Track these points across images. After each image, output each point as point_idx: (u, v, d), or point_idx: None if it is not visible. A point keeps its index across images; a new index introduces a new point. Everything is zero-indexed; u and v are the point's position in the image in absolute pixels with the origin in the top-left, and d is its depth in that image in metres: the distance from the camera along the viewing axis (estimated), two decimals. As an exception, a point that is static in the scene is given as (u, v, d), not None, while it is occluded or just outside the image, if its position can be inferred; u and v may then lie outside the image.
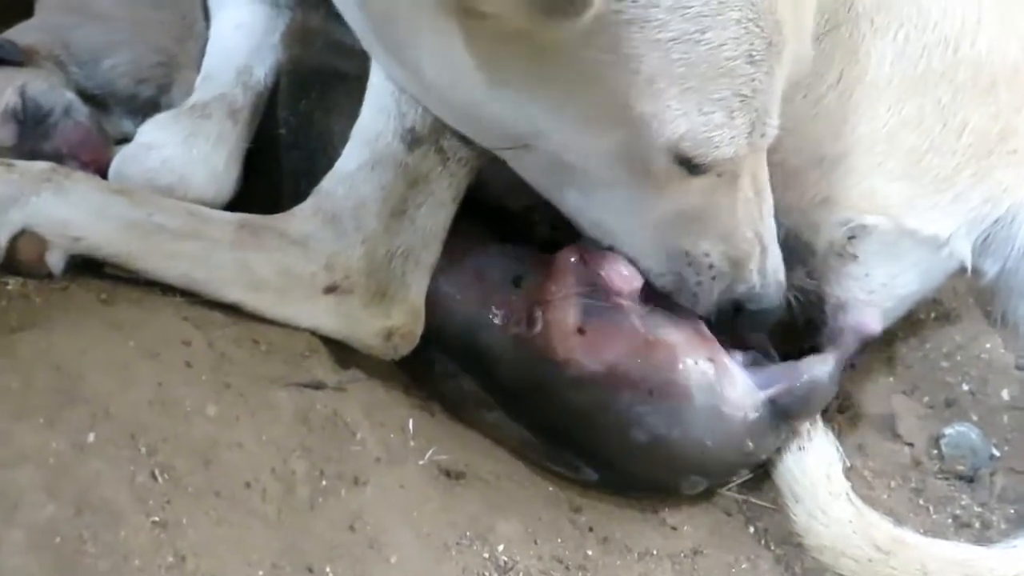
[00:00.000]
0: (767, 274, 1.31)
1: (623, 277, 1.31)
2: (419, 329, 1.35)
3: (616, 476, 1.35)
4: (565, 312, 1.32)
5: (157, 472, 1.07)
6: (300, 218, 1.32)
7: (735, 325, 1.35)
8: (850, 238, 1.42)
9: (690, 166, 1.18)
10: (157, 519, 1.03)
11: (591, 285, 1.32)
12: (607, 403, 1.31)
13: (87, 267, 1.27)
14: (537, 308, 1.33)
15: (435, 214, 1.34)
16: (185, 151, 1.41)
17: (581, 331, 1.31)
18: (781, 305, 1.35)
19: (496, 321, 1.35)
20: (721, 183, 1.23)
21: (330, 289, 1.31)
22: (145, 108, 1.55)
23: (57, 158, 1.37)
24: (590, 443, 1.34)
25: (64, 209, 1.26)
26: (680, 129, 1.14)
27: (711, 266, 1.29)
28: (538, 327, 1.33)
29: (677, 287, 1.32)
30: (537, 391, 1.33)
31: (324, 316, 1.32)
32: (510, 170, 1.31)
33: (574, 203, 1.29)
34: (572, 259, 1.34)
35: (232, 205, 1.42)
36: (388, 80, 1.30)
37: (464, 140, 1.30)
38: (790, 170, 1.38)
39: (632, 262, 1.32)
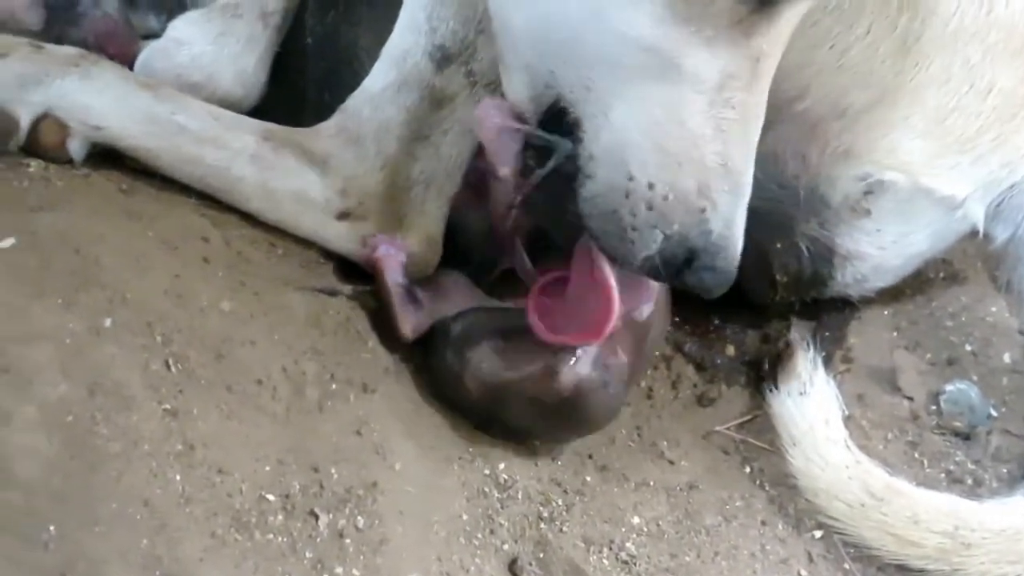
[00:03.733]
0: (731, 223, 1.09)
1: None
2: (434, 259, 1.34)
3: None
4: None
5: (171, 361, 1.07)
6: (324, 136, 1.31)
7: (680, 282, 1.13)
8: (866, 193, 1.42)
9: None
10: (168, 407, 1.04)
11: None
12: None
13: (109, 158, 1.27)
14: None
15: (459, 143, 1.32)
16: (216, 50, 1.40)
17: None
18: (732, 272, 1.12)
19: None
20: (717, 59, 1.06)
21: (343, 215, 1.30)
22: (170, 5, 1.53)
23: (83, 48, 1.35)
24: None
25: (88, 96, 1.25)
26: None
27: (650, 207, 1.07)
28: None
29: (607, 226, 1.09)
30: None
31: (337, 239, 1.32)
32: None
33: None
34: None
35: (256, 109, 1.41)
36: None
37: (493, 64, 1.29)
38: (812, 120, 1.38)
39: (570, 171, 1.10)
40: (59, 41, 1.34)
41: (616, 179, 1.08)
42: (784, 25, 1.08)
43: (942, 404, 1.45)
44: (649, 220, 1.07)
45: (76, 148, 1.25)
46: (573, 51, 1.08)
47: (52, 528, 0.92)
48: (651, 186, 1.07)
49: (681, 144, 1.07)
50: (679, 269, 1.10)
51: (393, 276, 1.27)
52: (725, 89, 1.06)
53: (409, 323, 1.27)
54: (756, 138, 1.11)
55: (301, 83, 1.45)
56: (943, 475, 1.39)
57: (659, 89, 1.06)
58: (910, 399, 1.46)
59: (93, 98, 1.25)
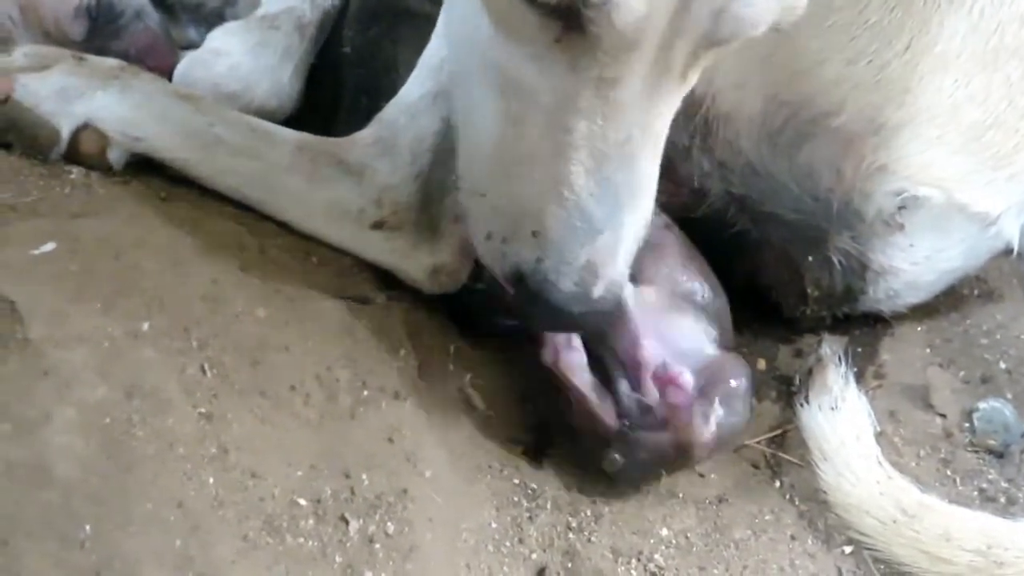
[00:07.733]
0: (566, 258, 1.00)
1: None
2: (466, 269, 1.35)
3: None
4: None
5: (206, 366, 1.09)
6: (360, 146, 1.32)
7: (513, 300, 1.08)
8: (900, 208, 1.42)
9: None
10: (203, 411, 1.06)
11: None
12: None
13: (149, 165, 1.29)
14: None
15: None
16: (252, 60, 1.42)
17: None
18: (558, 311, 1.03)
19: None
20: (546, 78, 0.99)
21: (377, 225, 1.31)
22: (210, 18, 1.56)
23: (124, 60, 1.37)
24: None
25: (127, 108, 1.27)
26: None
27: (487, 215, 1.07)
28: None
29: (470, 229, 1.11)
30: None
31: (371, 249, 1.33)
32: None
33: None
34: None
35: (291, 118, 1.43)
36: None
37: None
38: (848, 135, 1.38)
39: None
40: (101, 52, 1.37)
41: (464, 185, 1.11)
42: (627, 54, 0.96)
43: (975, 422, 1.43)
44: (482, 228, 1.08)
45: (116, 157, 1.27)
46: (454, 59, 1.12)
47: (88, 528, 0.94)
48: (482, 196, 1.07)
49: (514, 158, 1.04)
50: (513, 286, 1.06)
51: (581, 379, 1.25)
52: (563, 113, 0.99)
53: (611, 416, 1.26)
54: (623, 177, 1.00)
55: (336, 92, 1.46)
56: (976, 493, 1.38)
57: (504, 102, 1.04)
58: (943, 416, 1.45)
59: (133, 110, 1.27)
